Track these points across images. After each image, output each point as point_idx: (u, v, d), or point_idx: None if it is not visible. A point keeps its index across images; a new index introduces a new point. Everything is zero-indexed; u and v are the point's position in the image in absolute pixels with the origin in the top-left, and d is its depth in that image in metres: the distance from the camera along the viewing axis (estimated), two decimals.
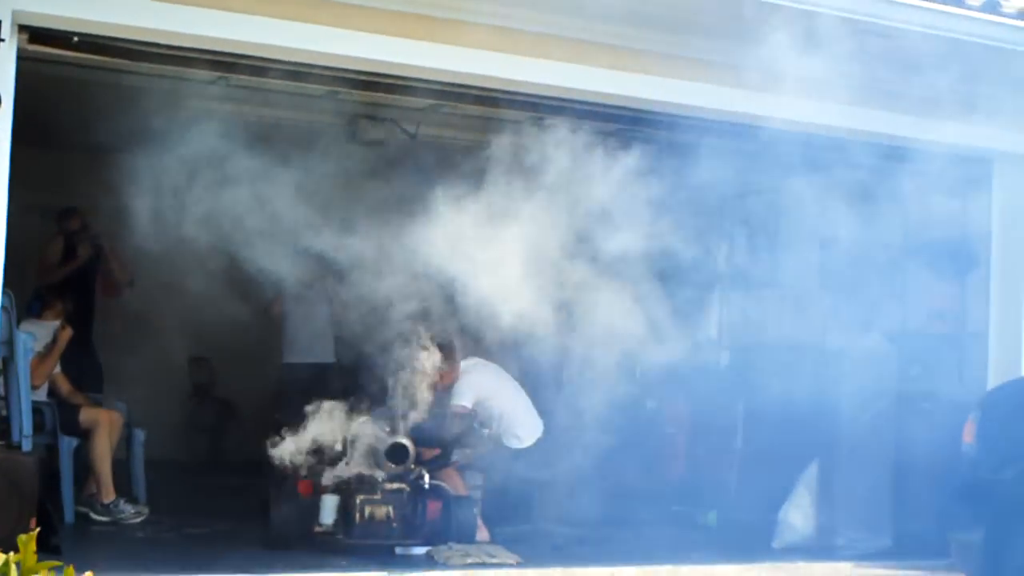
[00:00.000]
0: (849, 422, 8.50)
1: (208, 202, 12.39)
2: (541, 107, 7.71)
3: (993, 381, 8.17)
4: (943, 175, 9.22)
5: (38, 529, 2.66)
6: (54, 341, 8.69)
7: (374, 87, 7.37)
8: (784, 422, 9.64)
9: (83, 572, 2.36)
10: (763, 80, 7.52)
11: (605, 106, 7.79)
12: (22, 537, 2.33)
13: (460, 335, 9.12)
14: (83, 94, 9.09)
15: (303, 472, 7.80)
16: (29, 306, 8.96)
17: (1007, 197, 8.81)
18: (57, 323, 8.82)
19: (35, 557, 2.30)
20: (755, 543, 8.75)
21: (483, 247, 7.75)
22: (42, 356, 8.52)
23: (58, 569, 2.35)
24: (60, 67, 7.30)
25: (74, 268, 10.23)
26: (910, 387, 8.95)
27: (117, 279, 10.12)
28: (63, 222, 10.50)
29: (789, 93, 7.50)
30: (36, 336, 8.31)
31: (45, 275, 10.02)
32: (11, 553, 2.30)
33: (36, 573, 2.28)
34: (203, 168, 12.48)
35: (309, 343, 11.05)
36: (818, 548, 8.48)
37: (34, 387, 8.12)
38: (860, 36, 7.30)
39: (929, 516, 8.36)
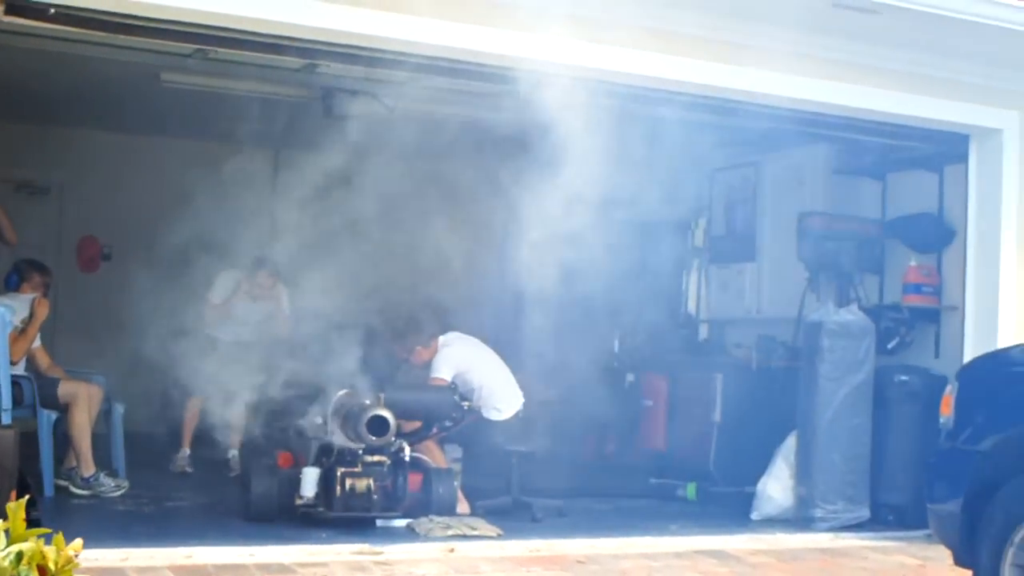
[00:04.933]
0: (828, 395, 8.54)
1: (185, 178, 12.39)
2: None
3: (970, 354, 8.23)
4: (920, 150, 9.30)
5: (28, 496, 2.66)
6: (32, 316, 8.64)
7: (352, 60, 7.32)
8: (763, 394, 9.71)
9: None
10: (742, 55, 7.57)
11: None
12: (11, 505, 2.33)
13: (437, 310, 9.15)
14: (60, 68, 9.05)
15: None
16: (7, 280, 8.93)
17: (984, 172, 8.85)
18: (35, 296, 8.76)
19: (24, 525, 2.31)
20: (734, 515, 8.81)
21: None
22: (20, 331, 8.47)
23: (47, 536, 2.36)
24: (36, 40, 7.22)
25: None
26: (888, 360, 9.01)
27: (6, 237, 9.84)
28: None
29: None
30: (14, 310, 8.28)
31: None
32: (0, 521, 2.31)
33: (25, 540, 2.28)
34: (181, 142, 12.51)
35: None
36: (796, 520, 8.56)
37: (12, 363, 8.08)
38: (840, 11, 7.33)
39: (907, 488, 8.43)
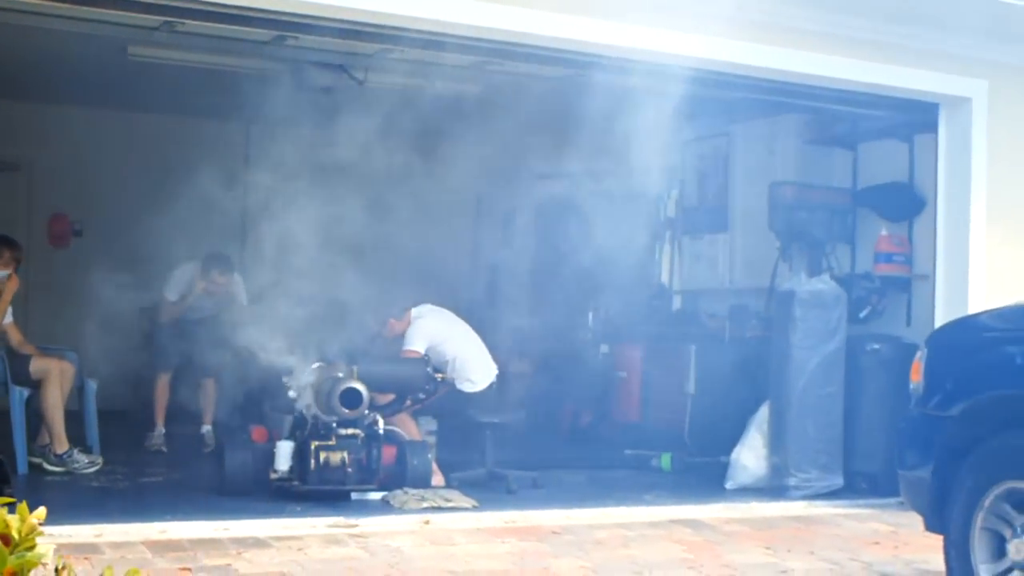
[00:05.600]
0: (800, 364, 8.57)
1: (155, 152, 12.35)
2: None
3: (941, 323, 8.28)
4: (890, 119, 9.32)
5: None
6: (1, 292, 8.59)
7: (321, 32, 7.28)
8: (736, 364, 9.74)
9: None
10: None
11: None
12: None
13: (410, 283, 9.16)
14: (25, 42, 8.97)
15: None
16: None
17: (953, 140, 8.88)
18: (5, 273, 8.69)
19: None
20: (708, 485, 8.85)
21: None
22: None
23: (11, 506, 2.35)
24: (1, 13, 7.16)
25: None
26: (860, 329, 9.05)
27: None
28: None
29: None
30: None
31: None
32: None
33: None
34: (151, 117, 12.44)
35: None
36: (770, 489, 8.60)
37: None
38: None
39: (879, 456, 8.48)
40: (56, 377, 8.52)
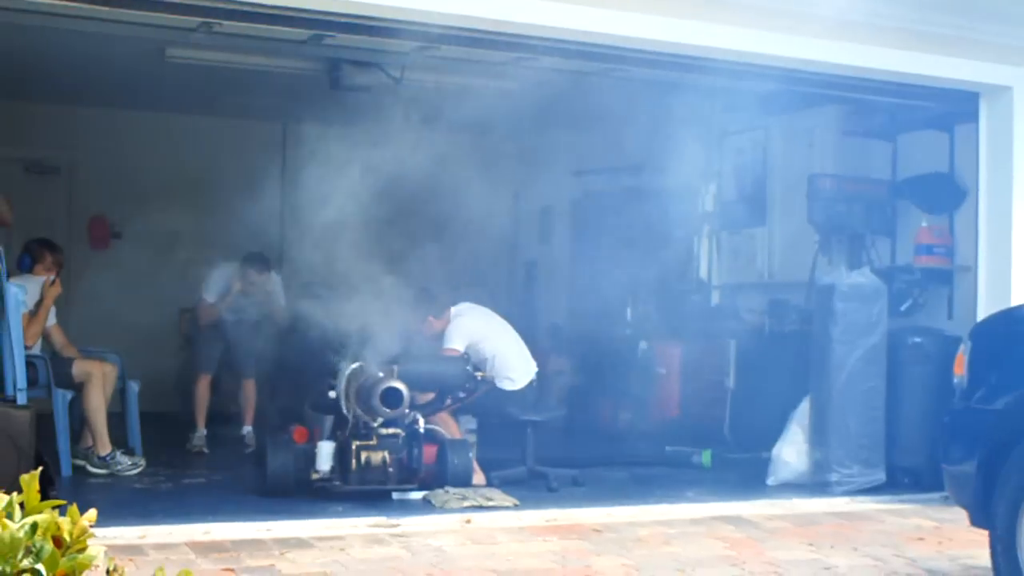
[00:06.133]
0: (841, 358, 8.51)
1: (193, 153, 12.41)
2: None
3: (983, 315, 8.20)
4: (930, 109, 9.25)
5: (40, 468, 2.67)
6: (44, 297, 8.63)
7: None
8: (776, 359, 9.70)
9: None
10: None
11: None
12: (24, 477, 2.33)
13: (449, 281, 9.15)
14: (64, 46, 9.03)
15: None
16: (20, 261, 8.91)
17: (994, 130, 8.79)
18: (46, 278, 8.73)
19: (38, 496, 2.31)
20: (749, 481, 8.80)
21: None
22: (32, 314, 8.46)
23: (62, 509, 2.36)
24: (35, 16, 7.20)
25: None
26: (901, 322, 8.98)
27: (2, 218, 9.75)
28: None
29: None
30: (26, 290, 8.26)
31: None
32: (14, 494, 2.31)
33: (40, 512, 2.29)
34: (188, 118, 12.50)
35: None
36: (812, 484, 8.54)
37: (27, 347, 8.05)
38: None
39: (922, 450, 8.42)
40: (99, 380, 8.56)
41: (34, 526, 2.25)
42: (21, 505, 2.32)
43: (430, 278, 8.73)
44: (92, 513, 2.35)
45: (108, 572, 2.34)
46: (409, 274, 8.11)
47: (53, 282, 8.68)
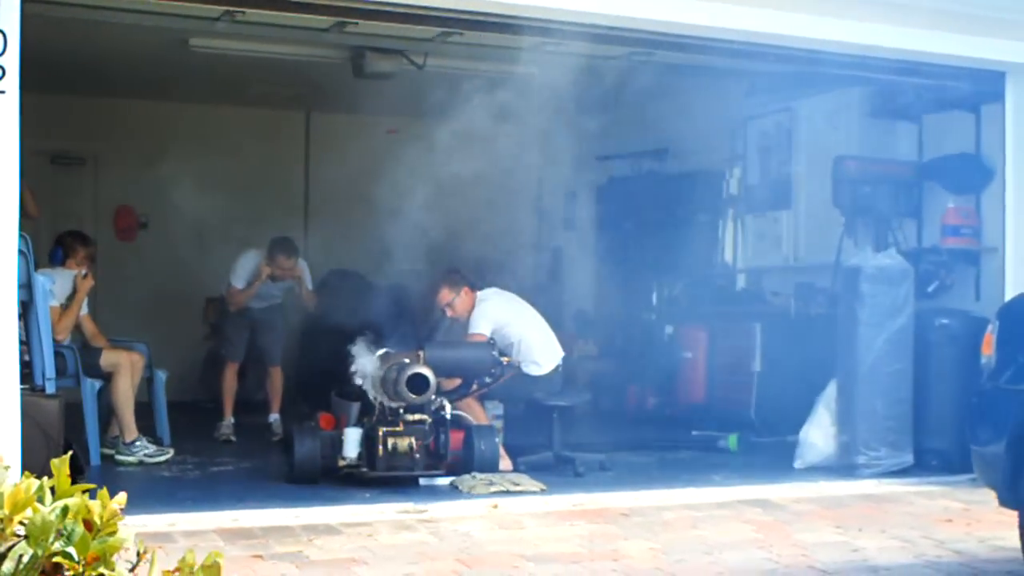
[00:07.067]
0: (868, 340, 8.47)
1: (218, 142, 12.44)
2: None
3: (1011, 296, 8.15)
4: (955, 89, 9.18)
5: (71, 452, 2.68)
6: (75, 291, 8.67)
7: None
8: (802, 342, 9.67)
9: None
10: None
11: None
12: (55, 461, 2.35)
13: (475, 266, 9.16)
14: (87, 37, 9.06)
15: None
16: (52, 254, 8.95)
17: (1021, 109, 8.73)
18: (77, 272, 8.77)
19: (68, 481, 2.33)
20: (776, 464, 8.79)
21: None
22: (64, 308, 8.49)
23: (91, 492, 2.38)
24: (59, 8, 7.23)
25: None
26: (928, 304, 8.94)
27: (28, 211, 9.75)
28: None
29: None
30: (54, 281, 8.28)
31: None
32: (44, 478, 2.33)
33: (70, 496, 2.31)
34: (212, 107, 12.54)
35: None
36: (840, 467, 8.51)
37: (57, 341, 8.09)
38: None
39: (950, 432, 8.38)
40: (127, 369, 8.61)
41: (65, 509, 2.27)
42: (52, 490, 2.35)
43: (457, 262, 8.75)
44: (122, 497, 2.37)
45: (138, 555, 2.36)
46: (433, 260, 8.13)
47: (85, 276, 8.73)
